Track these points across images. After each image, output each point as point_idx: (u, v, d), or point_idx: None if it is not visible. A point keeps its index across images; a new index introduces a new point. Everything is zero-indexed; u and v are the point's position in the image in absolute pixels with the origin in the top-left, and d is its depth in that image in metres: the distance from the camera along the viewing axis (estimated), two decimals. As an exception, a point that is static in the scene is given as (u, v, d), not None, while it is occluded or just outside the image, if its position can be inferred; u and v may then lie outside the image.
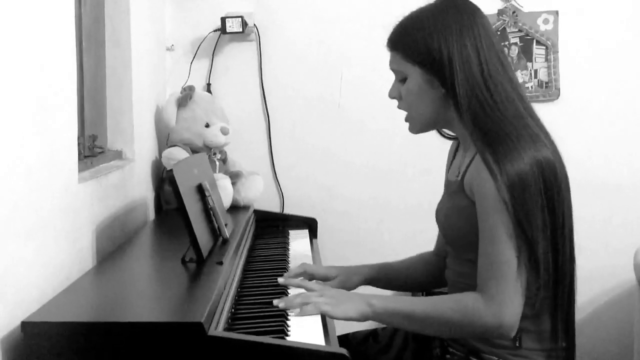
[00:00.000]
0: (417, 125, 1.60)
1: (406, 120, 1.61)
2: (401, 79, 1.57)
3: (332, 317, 1.46)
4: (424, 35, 1.50)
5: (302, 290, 1.59)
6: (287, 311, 1.48)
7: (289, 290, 1.68)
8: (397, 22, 1.58)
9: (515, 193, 1.38)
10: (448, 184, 1.65)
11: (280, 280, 1.68)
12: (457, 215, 1.53)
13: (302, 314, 1.46)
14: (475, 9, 1.54)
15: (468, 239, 1.49)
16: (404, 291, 1.85)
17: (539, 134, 1.46)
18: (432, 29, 1.49)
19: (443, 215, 1.61)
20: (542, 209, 1.40)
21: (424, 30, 1.50)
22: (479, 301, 1.41)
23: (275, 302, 1.51)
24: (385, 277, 1.84)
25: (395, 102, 1.63)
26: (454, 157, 1.69)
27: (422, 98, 1.54)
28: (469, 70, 1.46)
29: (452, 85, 1.47)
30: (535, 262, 1.40)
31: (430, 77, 1.51)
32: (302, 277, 1.72)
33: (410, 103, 1.57)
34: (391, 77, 1.61)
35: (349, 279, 1.78)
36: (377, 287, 1.85)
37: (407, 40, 1.53)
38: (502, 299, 1.39)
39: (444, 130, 1.68)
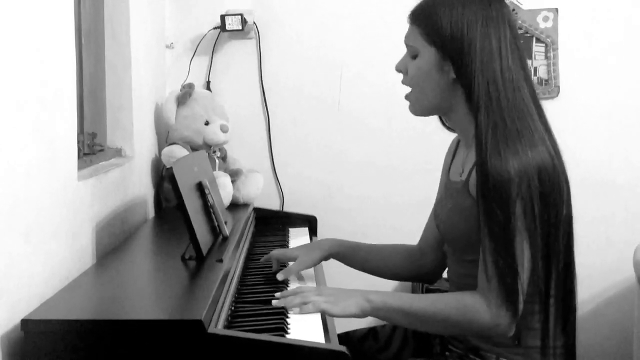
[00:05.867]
0: (418, 107, 1.57)
1: (407, 98, 1.58)
2: (413, 55, 1.54)
3: (331, 315, 1.47)
4: (449, 19, 1.47)
5: (299, 285, 1.60)
6: (287, 309, 1.48)
7: (289, 286, 1.68)
8: None
9: (497, 194, 1.38)
10: (449, 184, 1.63)
11: (273, 303, 1.57)
12: (459, 215, 1.52)
13: (301, 312, 1.46)
14: (504, 4, 1.51)
15: (469, 239, 1.48)
16: (377, 276, 1.85)
17: (543, 136, 1.44)
18: (459, 14, 1.46)
19: (445, 216, 1.59)
20: (524, 213, 1.38)
21: (451, 13, 1.47)
22: (478, 301, 1.41)
23: (274, 302, 1.51)
24: (352, 255, 1.83)
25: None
26: (453, 157, 1.68)
27: (429, 79, 1.51)
28: (488, 62, 1.44)
29: (467, 74, 1.45)
30: (512, 263, 1.39)
31: (443, 60, 1.48)
32: (276, 264, 1.79)
33: (415, 81, 1.54)
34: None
35: (310, 255, 1.78)
36: (345, 264, 1.85)
37: (431, 19, 1.49)
38: (500, 300, 1.39)
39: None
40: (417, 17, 1.53)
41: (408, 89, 1.58)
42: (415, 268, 1.81)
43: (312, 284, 1.75)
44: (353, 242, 1.87)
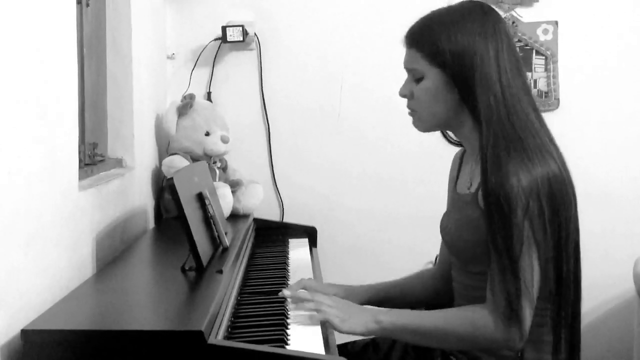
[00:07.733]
0: (425, 125, 1.57)
1: (412, 116, 1.58)
2: (416, 79, 1.53)
3: (338, 331, 1.46)
4: (449, 37, 1.46)
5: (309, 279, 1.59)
6: (287, 320, 1.48)
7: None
8: (420, 20, 1.54)
9: (499, 208, 1.37)
10: (456, 197, 1.63)
11: (282, 293, 1.60)
12: (467, 226, 1.52)
13: (308, 321, 1.46)
14: (499, 17, 1.52)
15: (475, 251, 1.48)
16: (403, 307, 1.84)
17: (548, 147, 1.44)
18: (457, 30, 1.46)
19: (452, 227, 1.58)
20: (532, 229, 1.37)
21: (448, 31, 1.47)
22: (487, 316, 1.41)
23: (283, 293, 1.51)
24: (385, 297, 1.79)
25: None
26: (459, 169, 1.67)
27: (437, 99, 1.51)
28: (487, 74, 1.44)
29: (469, 88, 1.45)
30: (519, 279, 1.38)
31: (449, 79, 1.48)
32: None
33: (423, 103, 1.53)
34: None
35: (347, 299, 1.72)
36: (376, 306, 1.83)
37: (431, 40, 1.48)
38: (508, 315, 1.39)
39: (449, 134, 1.65)
40: (416, 40, 1.52)
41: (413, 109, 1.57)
42: (437, 292, 1.78)
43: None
44: (379, 284, 1.81)
